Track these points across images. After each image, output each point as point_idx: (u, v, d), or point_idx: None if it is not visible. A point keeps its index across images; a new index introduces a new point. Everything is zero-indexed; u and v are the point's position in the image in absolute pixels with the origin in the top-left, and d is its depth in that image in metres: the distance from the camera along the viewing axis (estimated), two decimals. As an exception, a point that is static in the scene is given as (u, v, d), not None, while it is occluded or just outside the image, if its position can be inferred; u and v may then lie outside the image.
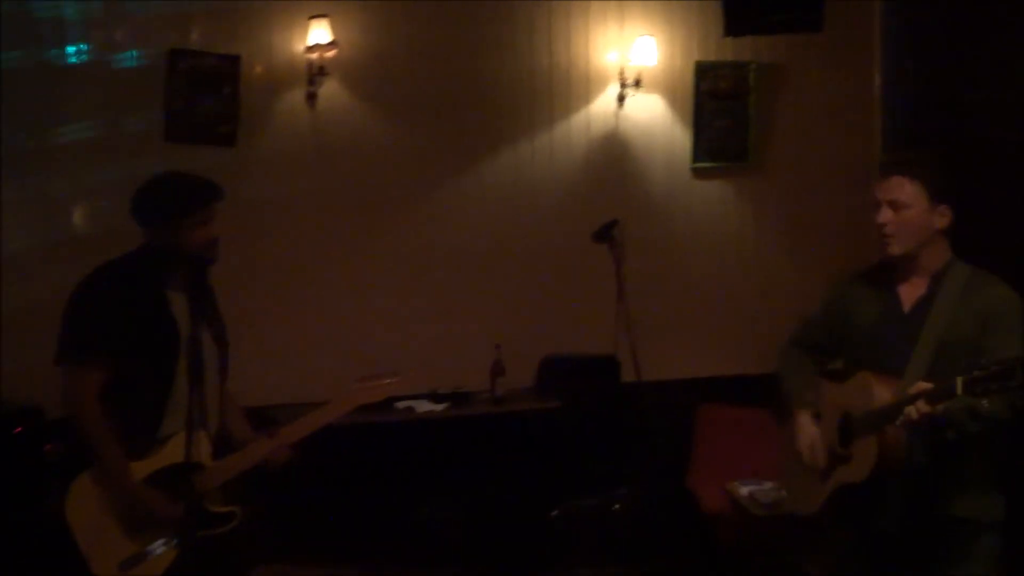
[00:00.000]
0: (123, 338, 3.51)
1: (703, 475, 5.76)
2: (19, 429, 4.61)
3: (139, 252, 3.69)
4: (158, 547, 3.54)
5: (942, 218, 3.30)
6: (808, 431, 3.54)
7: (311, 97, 5.69)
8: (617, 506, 5.52)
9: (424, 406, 5.59)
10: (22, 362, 4.82)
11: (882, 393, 3.20)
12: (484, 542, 5.46)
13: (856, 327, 3.49)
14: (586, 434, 5.69)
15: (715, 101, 6.19)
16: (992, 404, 3.04)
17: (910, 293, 3.38)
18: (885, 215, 3.32)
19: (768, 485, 5.19)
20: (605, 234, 4.47)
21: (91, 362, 3.51)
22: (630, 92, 6.03)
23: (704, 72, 6.15)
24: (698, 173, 6.23)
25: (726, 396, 6.04)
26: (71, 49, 5.44)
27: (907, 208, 3.29)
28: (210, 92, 5.55)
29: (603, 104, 6.07)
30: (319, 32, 5.55)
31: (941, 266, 3.34)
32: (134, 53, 5.50)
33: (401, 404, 5.54)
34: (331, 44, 5.57)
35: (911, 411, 3.06)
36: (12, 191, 5.34)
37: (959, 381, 2.91)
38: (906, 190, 3.29)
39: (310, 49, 5.59)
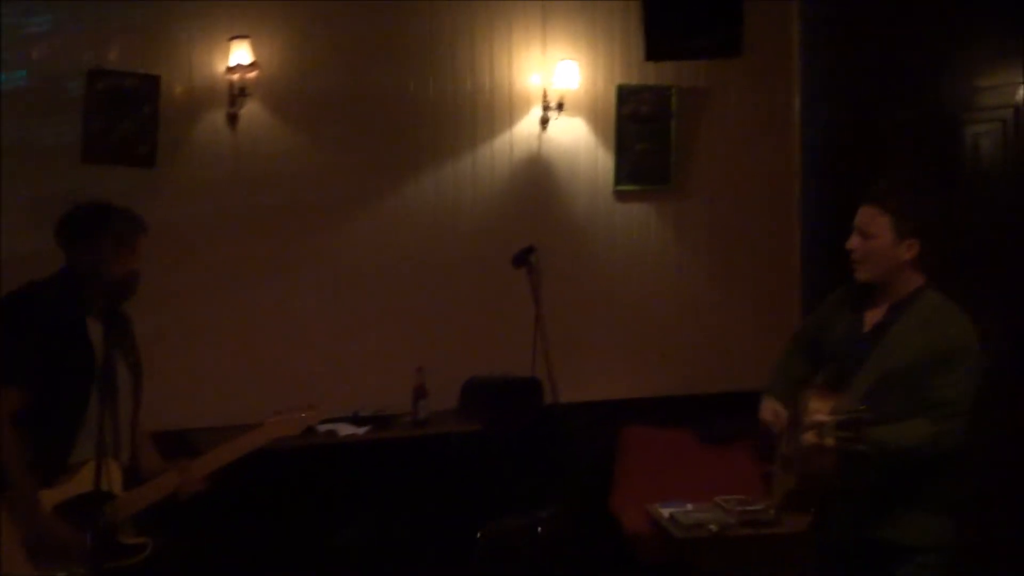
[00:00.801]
0: (38, 363, 3.46)
1: (626, 497, 5.79)
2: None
3: (58, 276, 3.65)
4: None
5: (909, 250, 3.37)
6: (769, 408, 3.65)
7: (232, 118, 5.64)
8: (541, 528, 5.52)
9: (346, 429, 5.55)
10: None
11: (818, 411, 3.27)
12: (407, 567, 5.42)
13: (826, 340, 3.61)
14: (509, 456, 5.68)
15: (637, 124, 6.24)
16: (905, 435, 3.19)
17: (872, 317, 3.48)
18: (853, 241, 3.44)
19: (689, 507, 5.24)
20: (522, 259, 4.48)
21: (5, 386, 3.45)
22: (553, 115, 6.06)
23: (626, 96, 6.20)
24: (620, 196, 6.27)
25: (649, 418, 6.08)
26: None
27: (874, 238, 3.38)
28: (129, 112, 5.48)
29: (526, 127, 6.10)
30: (240, 53, 5.51)
31: (906, 295, 3.41)
32: (50, 71, 5.41)
33: (322, 427, 5.48)
34: (252, 65, 5.54)
35: (806, 437, 3.19)
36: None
37: (831, 421, 3.10)
38: (876, 221, 3.38)
39: (231, 70, 5.54)
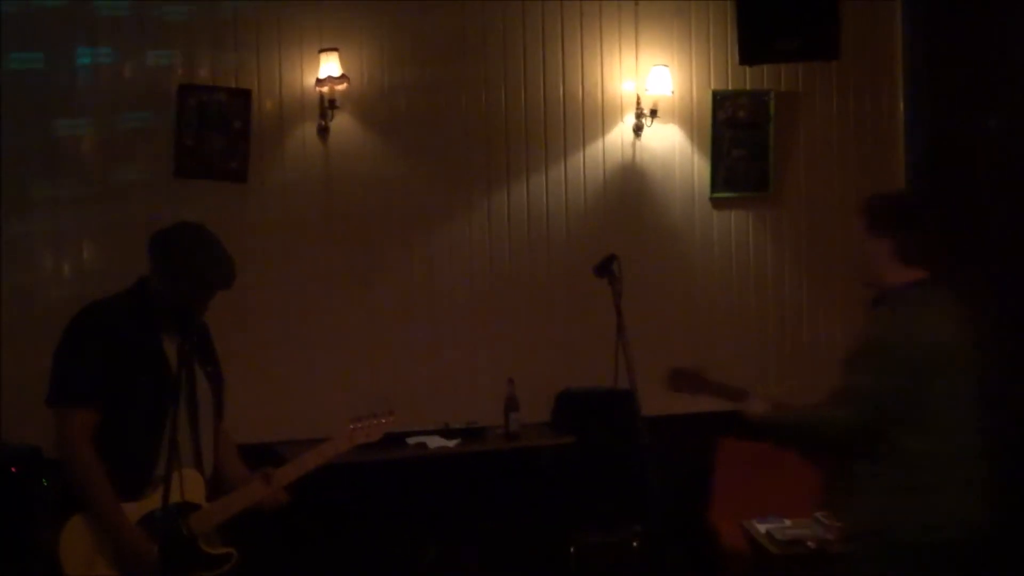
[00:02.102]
0: (113, 379, 3.46)
1: (723, 511, 5.64)
2: (14, 469, 4.56)
3: (134, 291, 3.65)
4: None
5: (882, 246, 3.50)
6: None
7: (322, 131, 5.66)
8: (635, 543, 5.41)
9: (436, 441, 5.49)
10: (22, 401, 4.79)
11: None
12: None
13: None
14: (603, 469, 5.58)
15: (733, 130, 6.11)
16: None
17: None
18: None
19: (787, 522, 5.07)
20: (605, 268, 4.36)
21: (81, 404, 3.46)
22: (646, 122, 5.96)
23: (721, 101, 6.08)
24: (717, 203, 6.15)
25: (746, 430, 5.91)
26: (80, 76, 5.43)
27: (860, 243, 3.57)
28: (220, 127, 5.53)
29: (619, 134, 6.02)
30: (330, 65, 5.52)
31: (884, 292, 3.53)
32: (143, 88, 5.49)
33: (412, 440, 5.44)
34: (341, 77, 5.54)
35: None
36: (15, 227, 5.32)
37: None
38: (859, 227, 3.58)
39: (320, 83, 5.56)
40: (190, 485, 3.57)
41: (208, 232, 3.66)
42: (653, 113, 5.94)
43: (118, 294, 3.65)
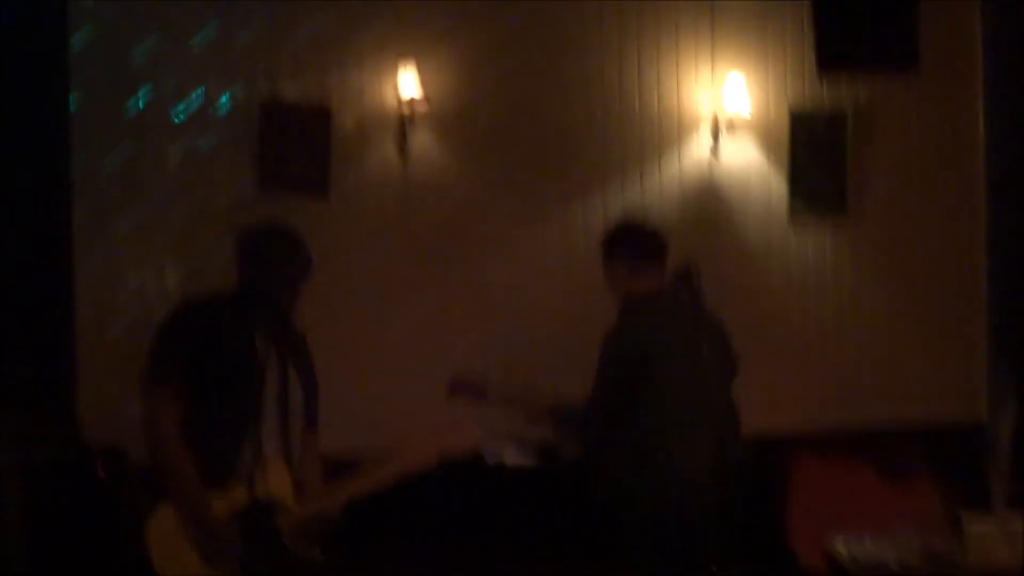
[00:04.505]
0: (202, 368, 3.54)
1: (801, 531, 5.56)
2: (102, 472, 4.66)
3: (230, 290, 3.74)
4: None
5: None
6: None
7: (402, 148, 5.73)
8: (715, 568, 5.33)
9: (513, 456, 5.49)
10: (103, 402, 4.89)
11: None
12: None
13: None
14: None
15: (811, 151, 6.06)
16: None
17: None
18: None
19: (868, 543, 4.99)
20: (684, 278, 4.32)
21: (169, 389, 3.54)
22: (722, 138, 5.95)
23: (799, 121, 6.03)
24: (793, 223, 6.09)
25: (822, 449, 5.84)
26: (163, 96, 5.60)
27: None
28: (302, 144, 5.64)
29: (694, 150, 6.00)
30: (409, 82, 5.61)
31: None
32: (226, 102, 5.62)
33: (488, 453, 5.45)
34: (420, 95, 5.63)
35: None
36: (95, 245, 5.49)
37: None
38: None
39: (401, 100, 5.65)
40: (278, 481, 3.63)
41: (284, 224, 3.77)
42: (729, 129, 5.93)
43: (217, 292, 3.75)
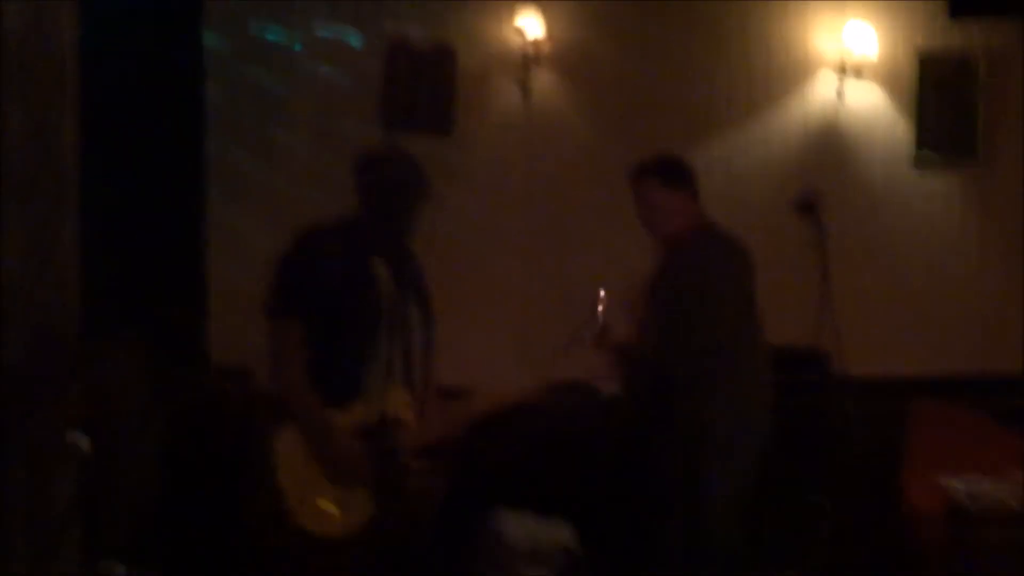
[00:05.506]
0: (324, 294, 3.66)
1: (917, 474, 5.51)
2: (228, 389, 4.82)
3: (349, 217, 3.85)
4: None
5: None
6: None
7: (524, 87, 5.79)
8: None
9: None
10: (233, 324, 5.09)
11: None
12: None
13: None
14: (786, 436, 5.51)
15: (940, 93, 5.94)
16: None
17: None
18: None
19: (987, 484, 4.94)
20: (807, 206, 4.26)
21: (290, 316, 3.65)
22: (848, 81, 5.86)
23: (927, 61, 5.92)
24: (920, 167, 6.00)
25: (937, 394, 5.77)
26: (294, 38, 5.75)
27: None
28: (427, 82, 5.74)
29: (819, 93, 5.94)
30: (530, 22, 5.68)
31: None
32: (353, 40, 5.75)
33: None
34: (543, 34, 5.69)
35: None
36: (226, 153, 5.67)
37: None
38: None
39: (523, 39, 5.70)
40: (398, 404, 3.75)
41: (402, 148, 3.85)
42: (855, 72, 5.85)
43: (335, 218, 3.86)
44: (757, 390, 4.22)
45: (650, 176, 4.19)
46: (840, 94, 5.91)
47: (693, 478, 4.08)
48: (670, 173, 4.20)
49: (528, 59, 5.75)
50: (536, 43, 5.70)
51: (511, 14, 5.75)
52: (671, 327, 4.01)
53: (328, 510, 3.62)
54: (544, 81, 5.83)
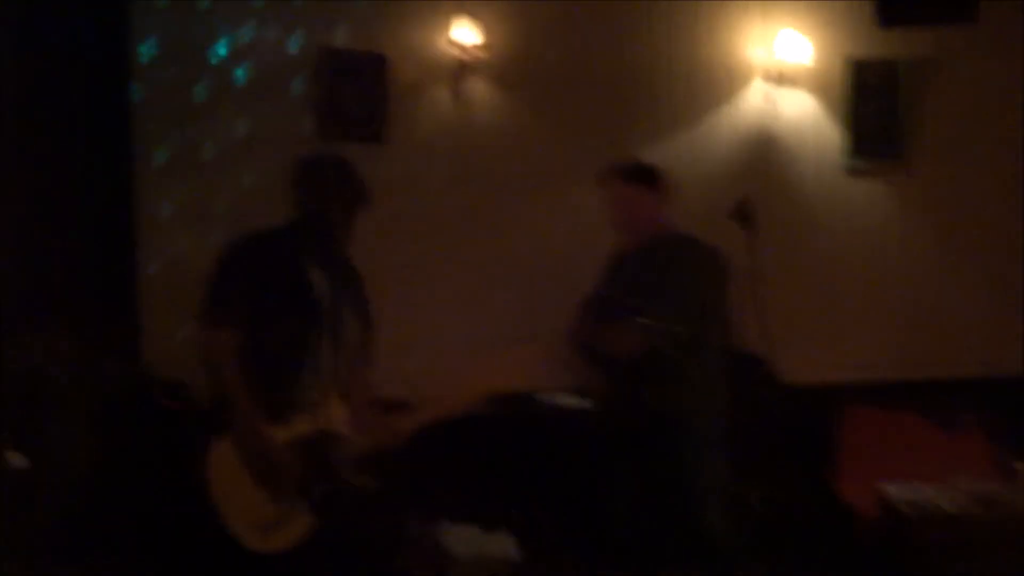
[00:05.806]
0: (259, 302, 3.60)
1: (850, 477, 5.57)
2: (169, 403, 4.74)
3: (287, 223, 3.80)
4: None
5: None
6: None
7: (457, 94, 5.76)
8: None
9: (565, 400, 5.54)
10: (165, 335, 5.00)
11: None
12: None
13: None
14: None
15: (866, 98, 6.01)
16: None
17: None
18: None
19: (921, 488, 5.00)
20: (741, 214, 4.35)
21: (225, 324, 3.60)
22: (775, 88, 5.92)
23: (858, 69, 5.99)
24: (849, 171, 6.06)
25: (873, 400, 5.83)
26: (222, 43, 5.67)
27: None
28: (357, 90, 5.68)
29: (748, 100, 5.98)
30: (463, 29, 5.65)
31: None
32: (284, 45, 5.69)
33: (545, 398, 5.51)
34: (476, 41, 5.66)
35: None
36: (159, 160, 5.59)
37: None
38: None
39: (455, 46, 5.67)
40: (334, 415, 3.69)
41: (337, 152, 3.83)
42: (783, 80, 5.90)
43: (271, 225, 3.80)
44: (721, 386, 4.36)
45: (625, 178, 4.43)
46: (773, 102, 5.95)
47: (673, 470, 4.24)
48: (644, 175, 4.47)
49: (463, 67, 5.72)
50: (471, 51, 5.67)
51: (446, 22, 5.71)
52: (647, 318, 4.13)
53: (264, 524, 3.57)
54: (479, 90, 5.81)
